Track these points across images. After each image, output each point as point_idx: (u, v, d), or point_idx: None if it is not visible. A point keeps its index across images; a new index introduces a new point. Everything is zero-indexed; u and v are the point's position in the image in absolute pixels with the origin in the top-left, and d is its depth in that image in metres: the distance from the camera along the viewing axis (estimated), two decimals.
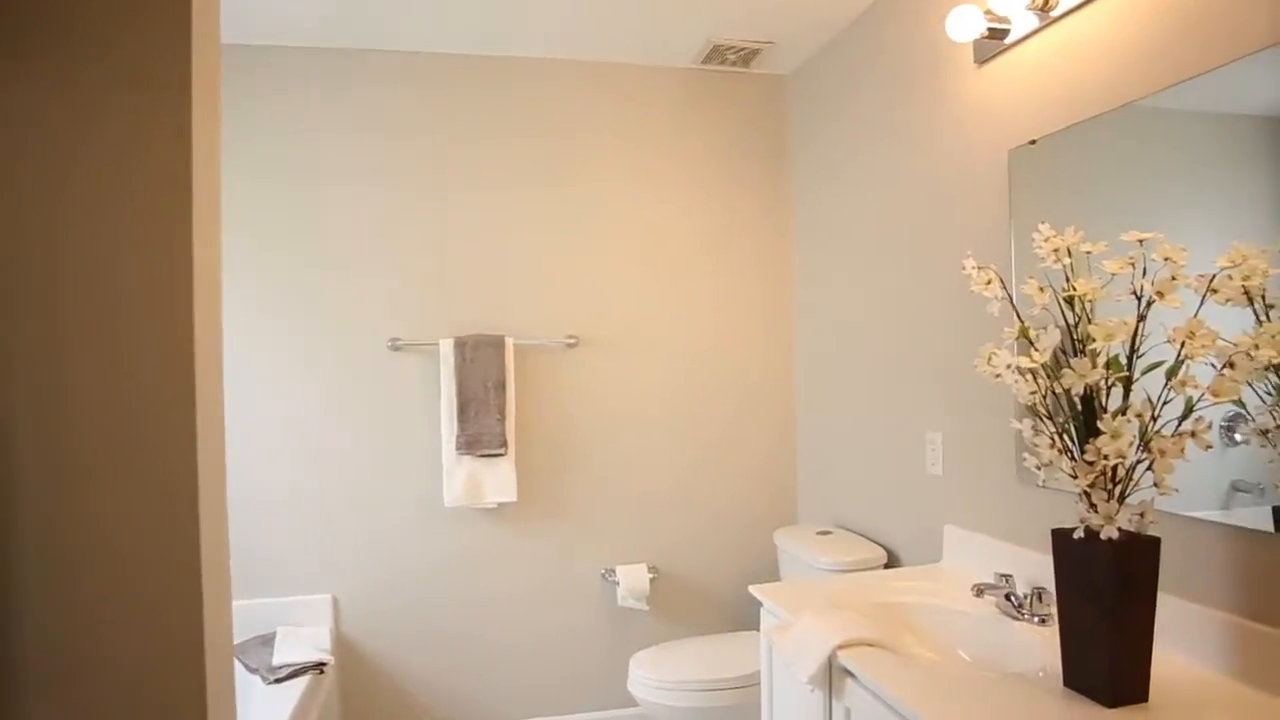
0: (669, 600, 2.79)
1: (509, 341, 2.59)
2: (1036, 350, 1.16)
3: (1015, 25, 1.67)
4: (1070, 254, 1.20)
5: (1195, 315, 1.07)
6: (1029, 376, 1.20)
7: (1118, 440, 1.08)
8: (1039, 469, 1.21)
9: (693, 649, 2.44)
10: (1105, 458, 1.10)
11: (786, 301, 2.91)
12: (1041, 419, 1.21)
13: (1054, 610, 1.50)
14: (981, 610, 1.58)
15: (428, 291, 2.63)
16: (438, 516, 2.62)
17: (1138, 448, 1.11)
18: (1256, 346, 1.04)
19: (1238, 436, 1.24)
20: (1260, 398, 1.18)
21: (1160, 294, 1.08)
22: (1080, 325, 1.17)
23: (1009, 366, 1.21)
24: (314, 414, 2.54)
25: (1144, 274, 1.10)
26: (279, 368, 2.52)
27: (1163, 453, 1.08)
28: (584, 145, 2.74)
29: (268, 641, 2.35)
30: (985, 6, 1.70)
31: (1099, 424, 1.10)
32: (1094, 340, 1.11)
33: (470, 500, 2.55)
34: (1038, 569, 1.60)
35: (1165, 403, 1.10)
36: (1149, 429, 1.11)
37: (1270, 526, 1.19)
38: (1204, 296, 1.08)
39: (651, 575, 2.71)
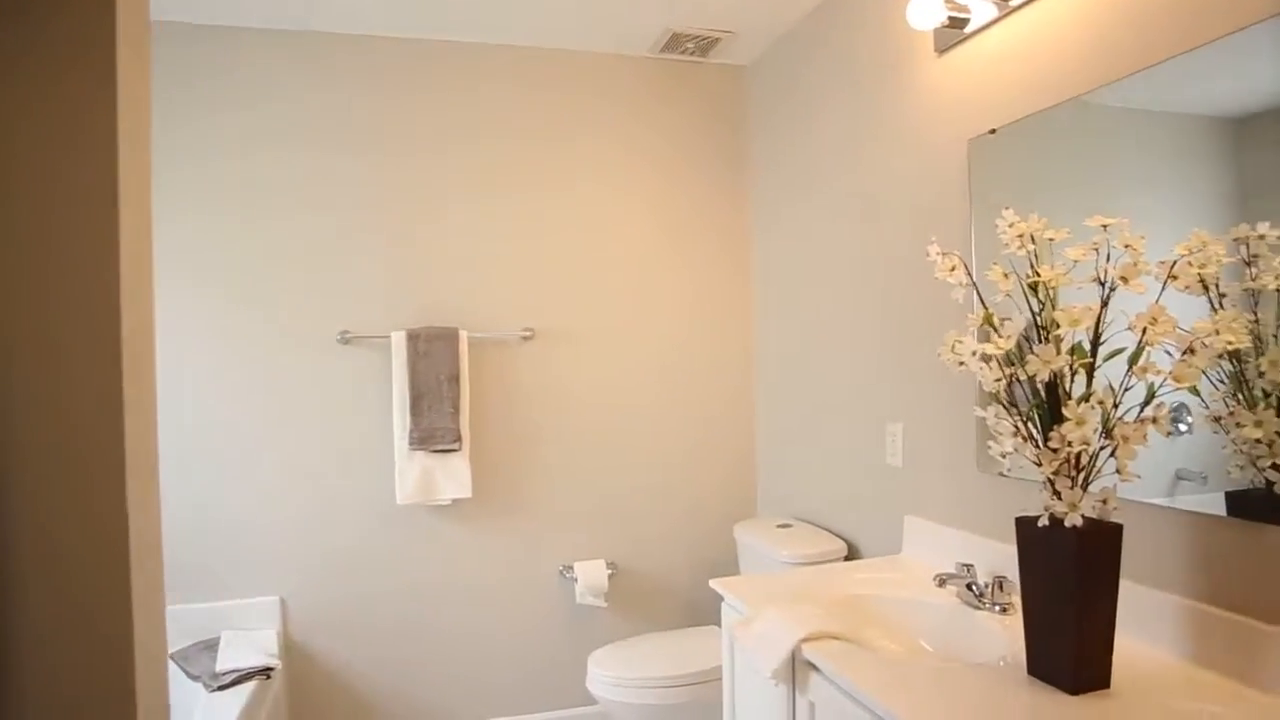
0: (628, 596, 2.76)
1: (463, 334, 2.53)
2: (1000, 337, 1.16)
3: (975, 14, 1.68)
4: (1034, 240, 1.20)
5: (1156, 302, 1.07)
6: (993, 363, 1.19)
7: (1083, 427, 1.08)
8: (1003, 457, 1.20)
9: (652, 645, 2.41)
10: (1070, 444, 1.10)
11: (746, 293, 2.89)
12: (1005, 406, 1.20)
13: (1015, 599, 1.50)
14: (943, 600, 1.58)
15: (378, 282, 2.54)
16: (390, 514, 2.54)
17: (1100, 434, 1.11)
18: (1216, 332, 1.05)
19: (1182, 426, 1.26)
20: (1214, 385, 1.19)
21: (1124, 279, 1.08)
22: (1045, 312, 1.17)
23: (974, 354, 1.21)
24: (259, 410, 2.44)
25: (1108, 259, 1.10)
26: (221, 361, 2.41)
27: (1125, 439, 1.08)
28: (540, 134, 2.68)
29: (211, 647, 2.25)
30: None
31: (1064, 410, 1.10)
32: (1059, 326, 1.11)
33: (423, 497, 2.48)
34: (998, 558, 1.60)
35: (1127, 389, 1.10)
36: (1111, 416, 1.11)
37: (1223, 511, 1.20)
38: (1164, 283, 1.08)
39: (610, 571, 2.68)
